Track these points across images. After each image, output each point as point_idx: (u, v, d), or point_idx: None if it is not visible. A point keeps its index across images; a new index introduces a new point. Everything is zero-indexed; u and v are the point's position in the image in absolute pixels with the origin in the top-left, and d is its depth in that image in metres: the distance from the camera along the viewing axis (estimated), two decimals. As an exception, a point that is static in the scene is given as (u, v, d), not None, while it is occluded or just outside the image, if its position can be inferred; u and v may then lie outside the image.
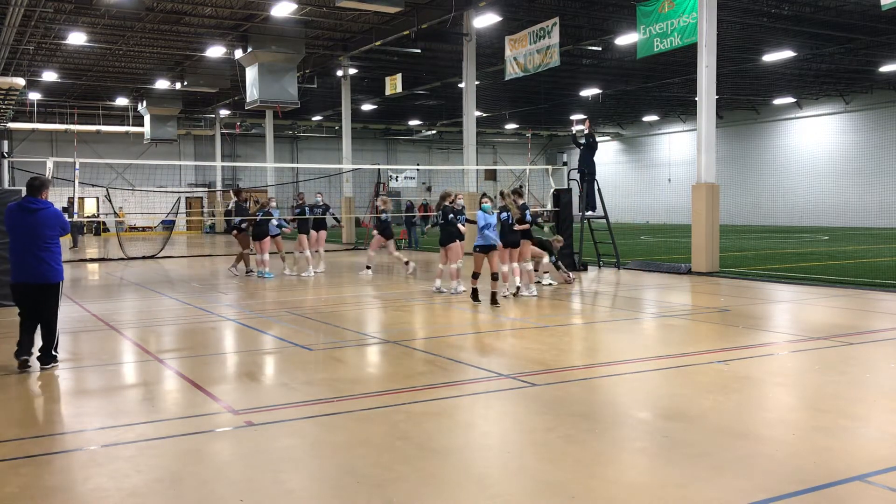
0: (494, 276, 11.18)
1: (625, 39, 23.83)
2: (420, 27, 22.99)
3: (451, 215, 13.08)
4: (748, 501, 3.96)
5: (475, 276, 11.41)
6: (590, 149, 18.01)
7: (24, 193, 7.41)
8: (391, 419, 5.53)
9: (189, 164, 44.06)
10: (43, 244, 7.14)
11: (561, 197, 17.27)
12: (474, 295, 11.40)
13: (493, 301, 11.08)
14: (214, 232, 44.00)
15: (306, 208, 17.28)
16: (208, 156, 46.78)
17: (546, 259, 13.97)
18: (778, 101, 41.39)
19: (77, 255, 24.32)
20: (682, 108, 44.68)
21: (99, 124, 41.11)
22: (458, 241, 13.19)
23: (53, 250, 7.23)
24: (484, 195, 11.93)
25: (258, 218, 16.10)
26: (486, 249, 11.35)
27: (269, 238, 16.20)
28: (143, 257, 22.89)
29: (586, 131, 18.30)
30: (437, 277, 13.29)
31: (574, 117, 18.41)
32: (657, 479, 4.35)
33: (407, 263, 16.62)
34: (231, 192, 17.44)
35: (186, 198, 44.51)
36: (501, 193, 12.71)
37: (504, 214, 12.73)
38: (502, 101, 40.18)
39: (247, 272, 16.76)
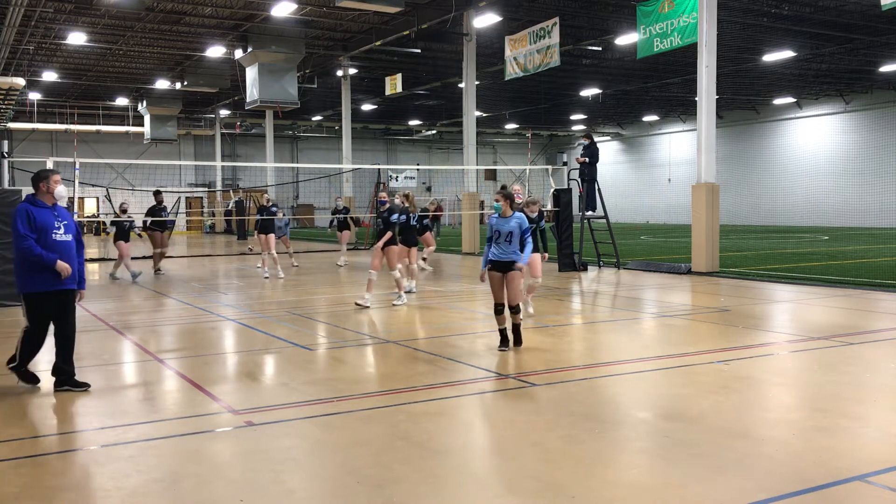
0: (514, 309, 7.93)
1: (625, 39, 23.84)
2: (420, 27, 23.01)
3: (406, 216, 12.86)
4: (748, 501, 3.96)
5: (498, 309, 7.97)
6: (592, 157, 17.99)
7: None
8: (391, 419, 5.53)
9: (189, 164, 44.08)
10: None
11: (561, 197, 17.28)
12: (502, 339, 8.02)
13: (517, 341, 8.04)
14: (214, 232, 44.02)
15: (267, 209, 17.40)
16: (208, 156, 46.81)
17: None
18: (778, 101, 41.40)
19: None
20: (682, 108, 44.69)
21: (99, 124, 41.12)
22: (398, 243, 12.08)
23: (12, 257, 6.42)
24: (507, 187, 9.05)
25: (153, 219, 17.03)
26: (502, 268, 7.87)
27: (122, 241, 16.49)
28: (143, 257, 22.88)
29: (587, 142, 18.28)
30: (409, 278, 13.31)
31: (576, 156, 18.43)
32: (657, 479, 4.35)
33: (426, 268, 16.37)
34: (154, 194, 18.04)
35: (186, 198, 44.53)
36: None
37: (402, 216, 12.55)
38: (502, 101, 40.19)
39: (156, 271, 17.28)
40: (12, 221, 6.30)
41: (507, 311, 7.92)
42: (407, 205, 12.97)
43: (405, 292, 12.22)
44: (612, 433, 5.21)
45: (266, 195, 17.81)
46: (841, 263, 17.37)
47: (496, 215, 7.97)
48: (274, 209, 16.97)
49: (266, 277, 15.89)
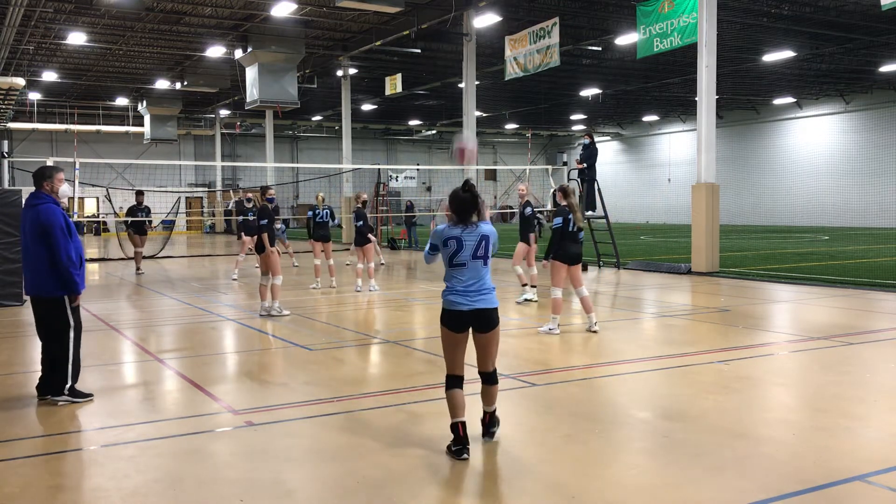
0: (489, 377, 5.05)
1: (625, 39, 23.83)
2: (420, 27, 22.99)
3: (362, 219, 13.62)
4: (748, 501, 3.96)
5: (454, 381, 4.92)
6: (590, 157, 18.02)
7: None
8: (391, 419, 5.54)
9: (189, 164, 44.09)
10: (36, 248, 5.92)
11: (561, 197, 17.25)
12: (457, 439, 4.74)
13: (487, 430, 5.05)
14: (214, 232, 44.00)
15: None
16: (208, 156, 46.79)
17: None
18: (778, 101, 41.39)
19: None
20: (682, 108, 44.67)
21: (99, 124, 41.11)
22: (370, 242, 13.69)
23: (46, 256, 5.87)
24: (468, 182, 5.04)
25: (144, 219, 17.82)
26: (460, 325, 4.89)
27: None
28: (144, 257, 22.87)
29: (587, 141, 18.31)
30: (357, 278, 13.70)
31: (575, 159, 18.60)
32: (657, 479, 4.35)
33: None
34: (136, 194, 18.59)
35: (186, 198, 44.52)
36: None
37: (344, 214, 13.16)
38: (502, 101, 40.17)
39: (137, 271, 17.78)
40: (51, 221, 5.83)
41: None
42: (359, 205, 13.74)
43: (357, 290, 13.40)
44: (612, 433, 5.21)
45: (248, 194, 17.86)
46: (841, 263, 17.36)
47: (455, 226, 4.88)
48: (254, 209, 17.06)
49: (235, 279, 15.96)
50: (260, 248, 10.78)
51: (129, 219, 17.84)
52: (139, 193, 18.18)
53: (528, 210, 11.90)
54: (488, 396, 5.08)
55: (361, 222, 13.57)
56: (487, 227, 4.89)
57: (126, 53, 28.87)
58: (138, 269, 17.78)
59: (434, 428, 5.31)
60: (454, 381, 4.90)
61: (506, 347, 8.40)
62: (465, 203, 4.88)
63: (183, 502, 4.06)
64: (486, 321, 4.85)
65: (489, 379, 5.06)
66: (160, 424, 5.49)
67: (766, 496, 4.02)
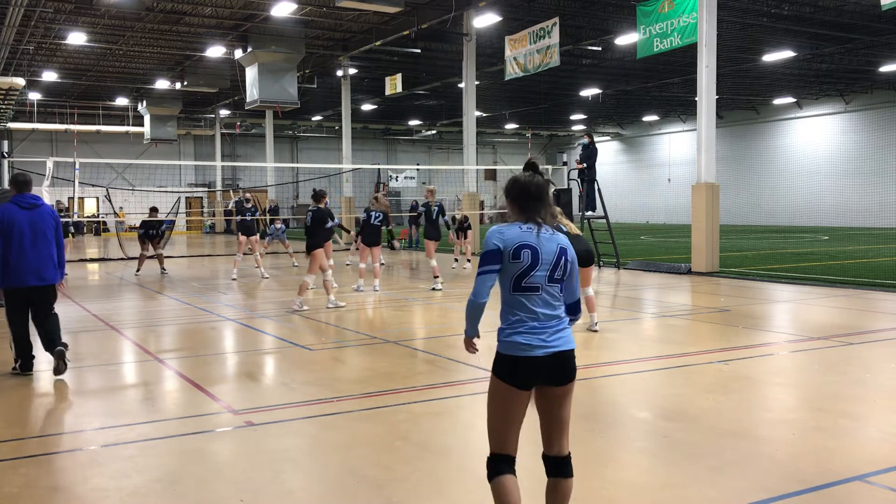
0: (562, 465, 3.33)
1: (625, 39, 23.84)
2: (420, 27, 22.99)
3: (379, 215, 13.68)
4: (748, 501, 3.96)
5: (503, 463, 3.26)
6: (590, 158, 18.04)
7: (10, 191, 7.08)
8: (391, 419, 5.53)
9: (189, 164, 44.08)
10: (46, 241, 6.87)
11: (561, 197, 17.25)
12: None
13: None
14: (214, 232, 44.00)
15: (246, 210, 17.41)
16: (208, 156, 46.79)
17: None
18: (778, 101, 41.39)
19: (77, 255, 24.30)
20: (682, 108, 44.68)
21: (99, 124, 41.10)
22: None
23: (53, 248, 6.95)
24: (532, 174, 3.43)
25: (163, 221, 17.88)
26: (531, 377, 3.23)
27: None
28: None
29: (587, 141, 18.33)
30: (360, 277, 13.69)
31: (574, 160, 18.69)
32: (657, 479, 4.35)
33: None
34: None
35: (186, 198, 44.51)
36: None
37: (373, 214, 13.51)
38: (502, 101, 40.18)
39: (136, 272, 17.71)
40: (60, 224, 7.14)
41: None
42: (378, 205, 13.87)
43: (374, 290, 13.37)
44: (612, 433, 5.21)
45: (246, 193, 17.89)
46: (841, 263, 17.36)
47: (526, 227, 3.30)
48: (253, 209, 17.10)
49: (265, 277, 16.00)
50: (312, 247, 11.22)
51: (144, 219, 17.82)
52: (153, 210, 18.23)
53: (436, 209, 14.93)
54: (561, 496, 3.32)
55: (378, 220, 13.53)
56: (565, 238, 3.33)
57: (126, 53, 28.86)
58: (163, 269, 17.63)
59: (434, 428, 5.31)
60: (503, 464, 3.26)
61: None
62: (536, 190, 3.31)
63: (183, 502, 4.06)
64: (564, 369, 3.27)
65: (563, 468, 3.33)
66: (160, 424, 5.49)
67: (766, 496, 4.02)
